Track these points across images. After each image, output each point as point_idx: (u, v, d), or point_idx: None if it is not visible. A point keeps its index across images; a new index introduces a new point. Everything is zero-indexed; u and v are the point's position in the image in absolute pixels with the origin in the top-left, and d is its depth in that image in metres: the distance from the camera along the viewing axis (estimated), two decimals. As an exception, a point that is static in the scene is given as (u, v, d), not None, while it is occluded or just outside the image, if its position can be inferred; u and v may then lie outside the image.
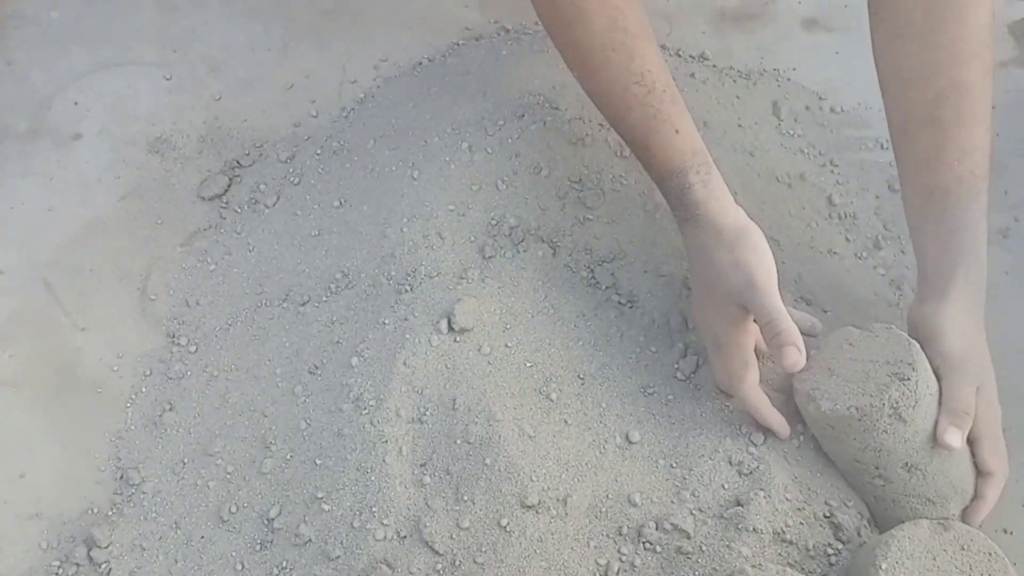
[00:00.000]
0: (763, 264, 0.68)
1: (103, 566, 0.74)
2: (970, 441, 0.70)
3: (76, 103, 1.00)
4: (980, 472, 0.71)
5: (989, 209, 0.91)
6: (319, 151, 0.95)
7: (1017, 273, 0.88)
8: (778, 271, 0.84)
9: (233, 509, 0.75)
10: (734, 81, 0.98)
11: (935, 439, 0.68)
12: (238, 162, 0.96)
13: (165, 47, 1.04)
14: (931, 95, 0.72)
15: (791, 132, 0.96)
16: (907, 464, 0.69)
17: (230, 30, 1.06)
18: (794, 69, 1.01)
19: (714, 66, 1.02)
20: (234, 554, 0.73)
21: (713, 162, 0.71)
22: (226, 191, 0.94)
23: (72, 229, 0.92)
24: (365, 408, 0.76)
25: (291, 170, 0.94)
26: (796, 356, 0.66)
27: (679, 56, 1.00)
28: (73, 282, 0.89)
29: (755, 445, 0.73)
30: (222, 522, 0.75)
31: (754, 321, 0.70)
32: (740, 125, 0.95)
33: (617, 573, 0.69)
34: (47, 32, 1.05)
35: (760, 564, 0.66)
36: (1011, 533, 0.75)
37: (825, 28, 1.05)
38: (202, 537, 0.74)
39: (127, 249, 0.91)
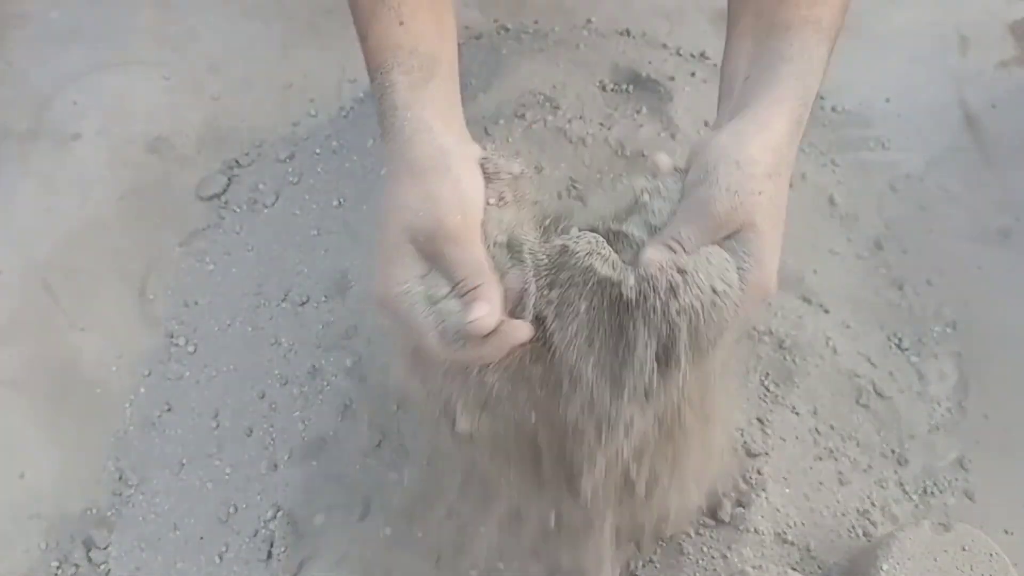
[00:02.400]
0: (463, 201, 0.50)
1: (103, 566, 0.74)
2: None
3: (75, 103, 1.00)
4: None
5: (988, 209, 0.92)
6: (318, 151, 0.94)
7: (1017, 273, 0.88)
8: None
9: (232, 510, 0.75)
10: (734, 80, 0.98)
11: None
12: (237, 162, 0.96)
13: (164, 47, 1.04)
14: None
15: (791, 132, 0.96)
16: None
17: (229, 30, 1.06)
18: (794, 68, 1.01)
19: (714, 65, 1.02)
20: (234, 554, 0.73)
21: (448, 78, 0.57)
22: (225, 191, 0.94)
23: (71, 229, 0.92)
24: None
25: (290, 170, 0.94)
26: (484, 310, 0.47)
27: (679, 55, 1.00)
28: (72, 282, 0.89)
29: (756, 444, 0.73)
30: (222, 522, 0.75)
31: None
32: (740, 125, 0.94)
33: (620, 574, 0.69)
34: (47, 32, 1.05)
35: (761, 565, 0.66)
36: (1011, 533, 0.75)
37: (825, 27, 1.05)
38: (202, 537, 0.74)
39: (126, 249, 0.91)
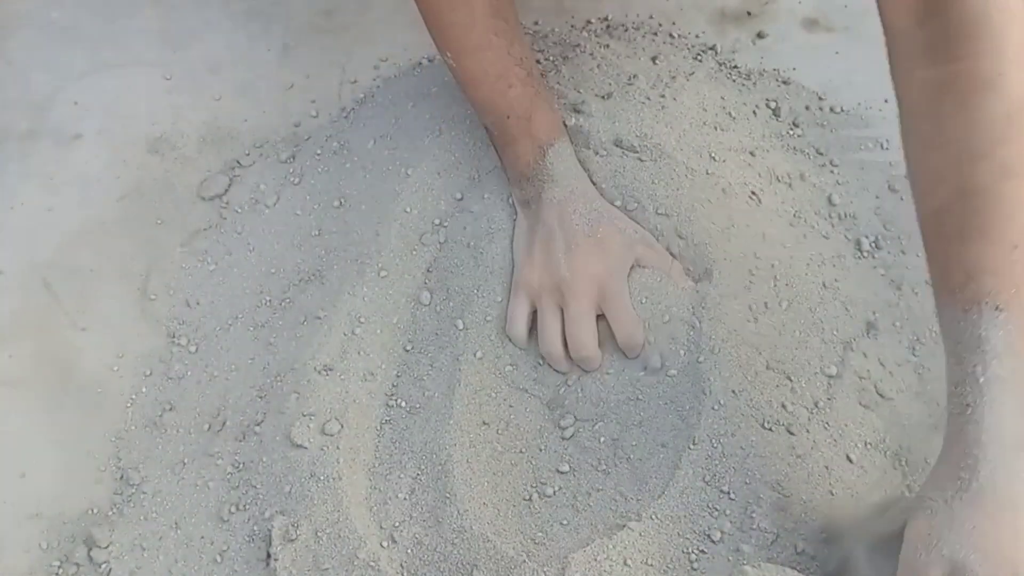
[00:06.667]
0: None
1: (103, 566, 0.74)
2: None
3: (76, 103, 1.00)
4: None
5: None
6: (319, 151, 0.95)
7: (1017, 273, 0.88)
8: (778, 271, 0.85)
9: (232, 509, 0.75)
10: (733, 81, 0.98)
11: None
12: (238, 162, 0.96)
13: (164, 47, 1.04)
14: (935, 205, 0.59)
15: (791, 132, 0.96)
16: None
17: (230, 30, 1.06)
18: (794, 69, 1.01)
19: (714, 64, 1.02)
20: (234, 554, 0.73)
21: None
22: (226, 191, 0.94)
23: (72, 229, 0.92)
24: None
25: (291, 170, 0.94)
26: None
27: (679, 56, 1.00)
28: (73, 282, 0.89)
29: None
30: (222, 522, 0.75)
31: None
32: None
33: None
34: (47, 32, 1.05)
35: (760, 565, 0.66)
36: (1011, 533, 0.75)
37: (825, 28, 1.05)
38: (202, 537, 0.74)
39: (127, 249, 0.91)
